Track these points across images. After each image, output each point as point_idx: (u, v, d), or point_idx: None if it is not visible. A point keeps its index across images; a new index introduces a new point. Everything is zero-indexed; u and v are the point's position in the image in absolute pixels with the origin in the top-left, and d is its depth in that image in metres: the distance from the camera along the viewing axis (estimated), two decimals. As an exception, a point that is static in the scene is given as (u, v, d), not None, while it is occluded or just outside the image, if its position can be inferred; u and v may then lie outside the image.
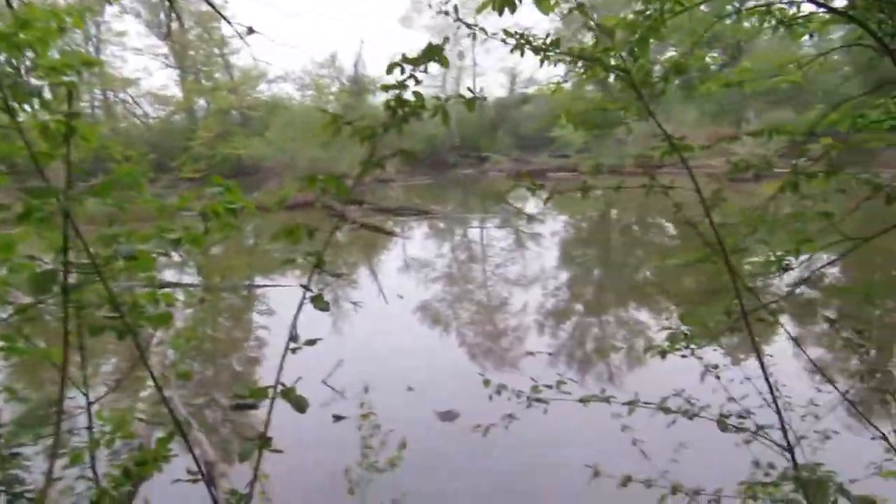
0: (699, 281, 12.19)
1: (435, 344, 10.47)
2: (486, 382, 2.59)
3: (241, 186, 2.37)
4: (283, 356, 2.00)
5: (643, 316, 11.86)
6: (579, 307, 13.17)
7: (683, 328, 2.43)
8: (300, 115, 33.49)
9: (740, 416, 2.36)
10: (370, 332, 11.23)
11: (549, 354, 9.59)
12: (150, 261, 2.04)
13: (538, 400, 2.57)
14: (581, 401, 2.57)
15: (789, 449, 2.08)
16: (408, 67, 1.91)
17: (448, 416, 7.35)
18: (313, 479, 5.91)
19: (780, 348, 9.44)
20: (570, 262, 17.85)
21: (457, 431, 7.04)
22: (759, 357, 2.16)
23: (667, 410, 2.43)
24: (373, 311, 12.61)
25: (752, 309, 2.17)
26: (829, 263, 2.23)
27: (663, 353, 2.24)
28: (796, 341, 2.14)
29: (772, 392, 2.14)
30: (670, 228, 20.46)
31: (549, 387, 2.58)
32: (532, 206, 29.70)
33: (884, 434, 2.37)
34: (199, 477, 2.09)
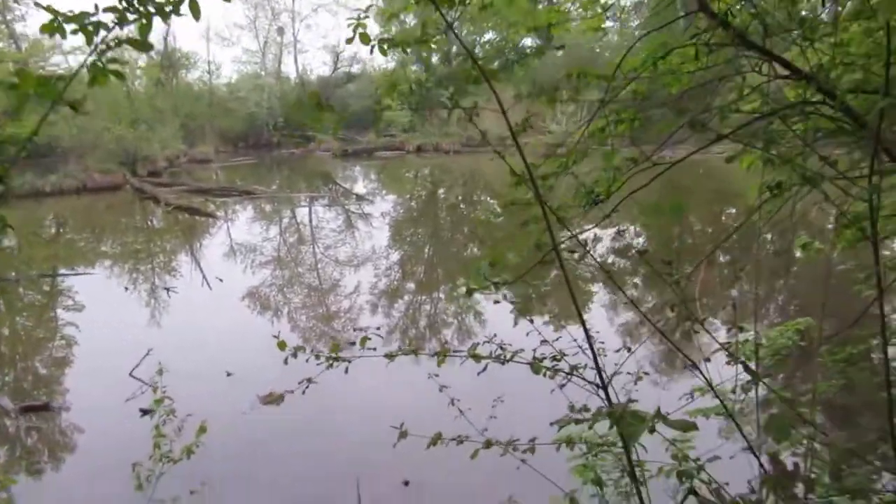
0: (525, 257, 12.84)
1: (264, 329, 10.09)
2: (281, 345, 2.34)
3: (35, 169, 2.06)
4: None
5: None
6: (410, 285, 13.34)
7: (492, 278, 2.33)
8: (104, 91, 30.35)
9: (554, 359, 2.29)
10: (193, 322, 10.59)
11: (378, 332, 9.62)
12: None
13: (336, 358, 2.39)
14: (387, 356, 2.41)
15: (603, 387, 2.09)
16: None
17: (269, 399, 7.15)
18: (117, 477, 5.49)
19: (596, 309, 10.31)
20: (401, 241, 18.02)
21: (277, 416, 6.91)
22: (571, 290, 2.13)
23: (477, 357, 2.30)
24: (198, 299, 11.88)
25: (562, 241, 2.12)
26: (636, 190, 2.27)
27: (469, 292, 2.16)
28: (608, 273, 2.11)
29: (585, 330, 2.13)
30: (496, 205, 21.31)
31: (353, 344, 2.41)
32: (361, 186, 29.56)
33: (694, 363, 2.38)
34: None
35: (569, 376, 2.24)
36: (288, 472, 5.87)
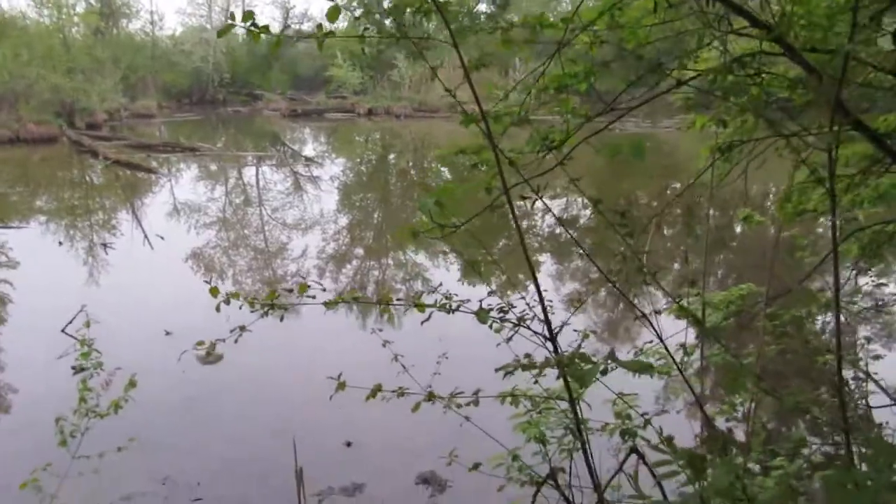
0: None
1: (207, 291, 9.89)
2: (213, 291, 2.22)
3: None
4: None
5: (420, 258, 12.29)
6: (359, 250, 13.26)
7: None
8: (38, 37, 28.81)
9: (501, 310, 2.22)
10: (133, 282, 10.30)
11: (319, 283, 9.57)
12: None
13: (272, 305, 2.29)
14: (326, 304, 2.32)
15: (551, 339, 2.06)
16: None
17: (210, 359, 7.09)
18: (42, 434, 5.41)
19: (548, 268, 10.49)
20: (350, 205, 17.84)
21: (215, 376, 6.93)
22: (520, 234, 2.09)
23: (421, 307, 2.22)
24: (139, 259, 11.56)
25: (513, 185, 2.01)
26: (589, 136, 2.20)
27: (414, 234, 2.05)
28: (560, 220, 2.06)
29: (534, 277, 2.08)
30: (446, 172, 21.26)
31: (290, 291, 2.29)
32: (310, 149, 29.02)
33: (644, 314, 2.33)
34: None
35: (516, 327, 2.15)
36: (223, 431, 5.85)
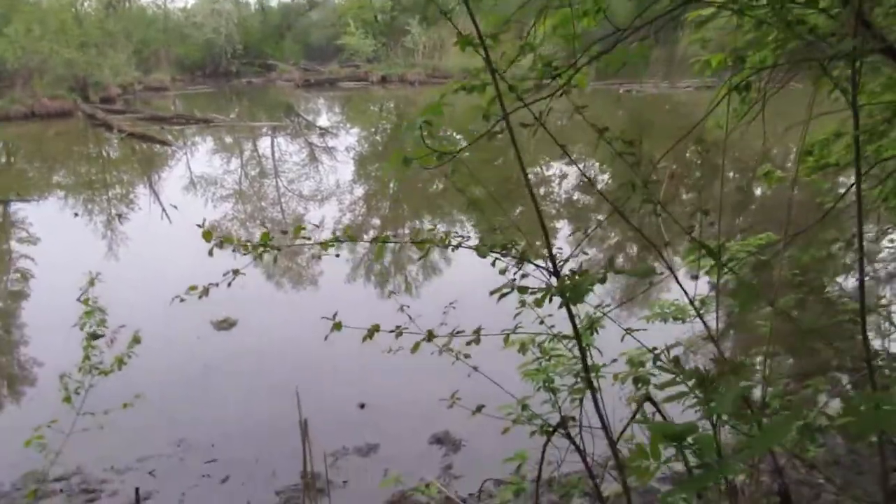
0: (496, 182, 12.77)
1: (225, 262, 9.94)
2: (207, 235, 2.18)
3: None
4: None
5: (439, 227, 12.24)
6: (376, 220, 13.24)
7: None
8: (51, 12, 28.79)
9: (504, 248, 2.14)
10: (152, 255, 10.38)
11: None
12: None
13: (266, 246, 2.24)
14: (322, 244, 2.28)
15: (556, 274, 1.96)
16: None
17: (224, 325, 7.20)
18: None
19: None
20: (366, 176, 17.77)
21: (231, 339, 7.04)
22: (521, 161, 1.97)
23: (421, 244, 2.18)
24: (155, 232, 11.64)
25: (513, 109, 1.90)
26: (595, 56, 2.06)
27: (406, 161, 1.97)
28: (560, 144, 1.94)
29: (535, 205, 2.00)
30: (462, 140, 21.07)
31: (285, 233, 2.23)
32: (324, 119, 28.89)
33: (655, 245, 2.26)
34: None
35: (520, 263, 2.07)
36: (237, 395, 5.91)
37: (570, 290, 1.65)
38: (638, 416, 2.25)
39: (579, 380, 2.27)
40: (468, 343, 2.25)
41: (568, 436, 2.31)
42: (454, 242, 2.09)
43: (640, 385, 2.18)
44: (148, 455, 4.94)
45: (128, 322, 4.23)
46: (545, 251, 1.90)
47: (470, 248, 2.05)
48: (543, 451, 2.46)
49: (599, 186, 14.76)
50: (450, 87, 1.92)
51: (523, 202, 12.45)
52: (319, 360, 6.32)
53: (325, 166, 18.13)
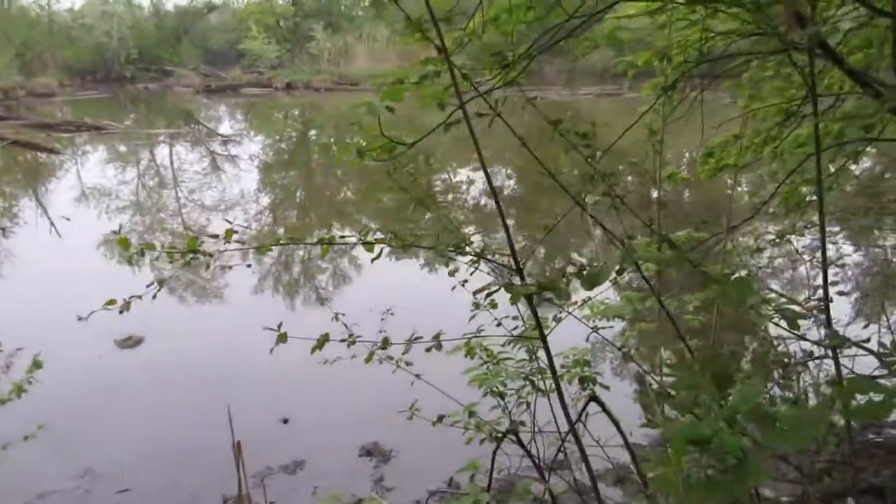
0: (397, 201, 12.70)
1: (123, 278, 9.39)
2: (123, 241, 2.01)
3: None
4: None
5: (348, 233, 12.06)
6: (282, 230, 12.89)
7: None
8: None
9: (457, 247, 2.07)
10: (40, 272, 9.65)
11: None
12: None
13: (195, 252, 2.09)
14: (257, 250, 2.16)
15: (518, 271, 1.92)
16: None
17: (129, 343, 6.80)
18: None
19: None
20: (272, 184, 17.30)
21: (137, 357, 6.64)
22: (478, 150, 1.95)
23: (369, 245, 2.07)
24: (45, 247, 10.84)
25: (469, 99, 1.88)
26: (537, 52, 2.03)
27: (361, 154, 1.86)
28: (521, 139, 1.88)
29: (493, 194, 1.94)
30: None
31: (216, 236, 2.10)
32: (227, 126, 27.97)
33: (614, 236, 2.17)
34: None
35: (478, 259, 2.01)
36: (147, 416, 5.54)
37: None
38: (583, 417, 2.25)
39: (528, 383, 2.24)
40: (428, 350, 2.18)
41: (519, 441, 2.27)
42: (401, 243, 1.98)
43: (586, 384, 2.18)
44: (49, 490, 4.54)
45: (23, 344, 3.90)
46: (504, 250, 1.85)
47: (424, 247, 1.96)
48: (493, 460, 2.41)
49: (506, 192, 15.02)
50: (405, 73, 1.84)
51: (432, 209, 12.43)
52: (234, 376, 6.04)
53: (228, 175, 17.50)
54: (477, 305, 2.09)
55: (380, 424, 4.96)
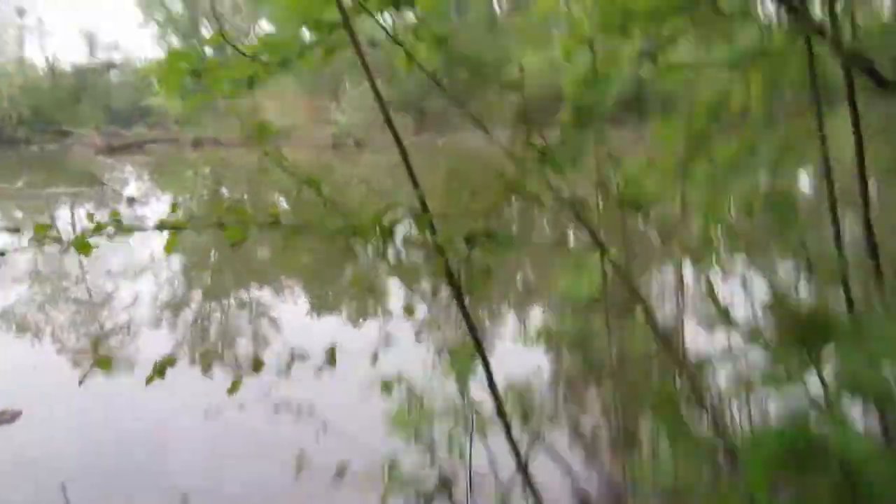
0: (316, 258, 12.53)
1: (20, 354, 8.74)
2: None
3: None
4: None
5: (265, 295, 11.78)
6: (197, 293, 12.46)
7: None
8: None
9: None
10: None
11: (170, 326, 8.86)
12: None
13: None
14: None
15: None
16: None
17: (4, 417, 6.23)
18: None
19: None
20: (183, 246, 16.72)
21: (13, 435, 6.02)
22: (370, 77, 1.91)
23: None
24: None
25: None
26: None
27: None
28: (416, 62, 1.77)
29: (402, 152, 1.85)
30: (283, 203, 20.62)
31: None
32: (133, 188, 27.02)
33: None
34: None
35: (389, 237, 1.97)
36: (19, 492, 5.05)
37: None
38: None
39: (458, 421, 2.07)
40: (319, 368, 2.03)
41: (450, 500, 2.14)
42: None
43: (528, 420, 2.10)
44: None
45: None
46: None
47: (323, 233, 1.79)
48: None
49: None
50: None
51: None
52: (126, 448, 5.64)
53: (135, 238, 16.79)
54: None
55: (295, 488, 4.69)
